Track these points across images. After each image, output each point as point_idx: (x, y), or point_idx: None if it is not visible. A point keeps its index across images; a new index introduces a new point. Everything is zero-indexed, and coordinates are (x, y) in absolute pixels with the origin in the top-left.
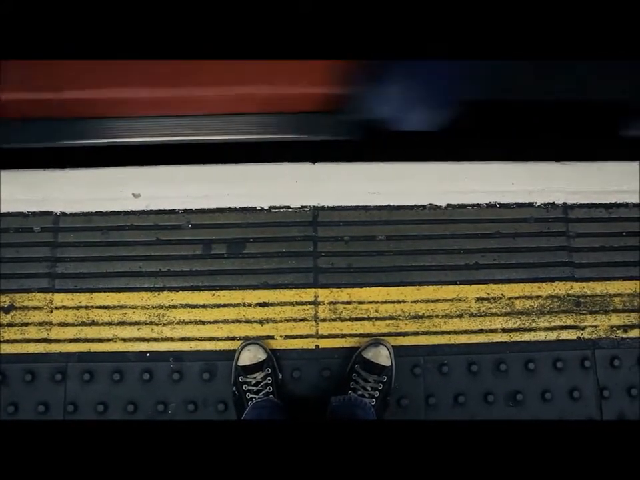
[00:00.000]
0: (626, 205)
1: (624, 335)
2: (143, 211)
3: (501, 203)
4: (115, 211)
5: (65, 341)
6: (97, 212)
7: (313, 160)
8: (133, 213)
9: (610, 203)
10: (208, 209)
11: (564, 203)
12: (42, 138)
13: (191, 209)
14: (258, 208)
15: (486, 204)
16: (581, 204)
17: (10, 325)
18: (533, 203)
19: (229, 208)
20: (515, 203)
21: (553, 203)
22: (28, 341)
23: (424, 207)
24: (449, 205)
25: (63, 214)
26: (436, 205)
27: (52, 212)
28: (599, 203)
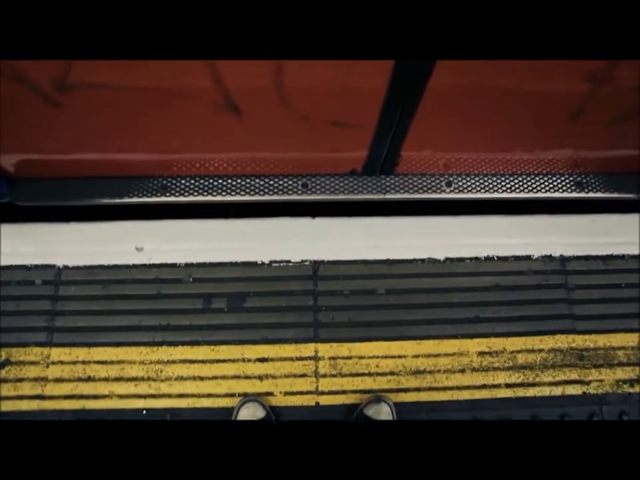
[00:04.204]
0: (622, 257)
1: (631, 390)
2: (145, 264)
3: (499, 255)
4: (117, 264)
5: (59, 397)
6: (99, 265)
7: (313, 215)
8: (135, 266)
9: (606, 255)
10: (209, 262)
11: (561, 255)
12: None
13: (193, 263)
14: (259, 262)
15: (484, 257)
16: (578, 256)
17: (4, 380)
18: (530, 255)
19: (230, 262)
20: (513, 256)
21: (550, 255)
22: (21, 397)
23: (423, 260)
24: (447, 258)
25: (66, 267)
26: (435, 258)
27: (54, 265)
28: (596, 255)
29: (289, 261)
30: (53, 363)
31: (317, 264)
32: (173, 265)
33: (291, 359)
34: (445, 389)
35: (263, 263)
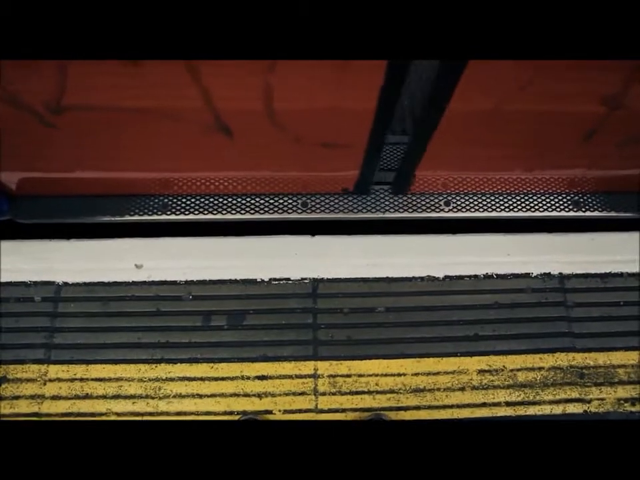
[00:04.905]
0: (621, 275)
1: (632, 409)
2: (145, 281)
3: (498, 273)
4: (116, 282)
5: (55, 415)
6: (99, 282)
7: (312, 233)
8: (134, 283)
9: (605, 273)
10: (209, 280)
11: (560, 273)
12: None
13: (192, 280)
14: (258, 280)
15: (483, 275)
16: (577, 274)
17: (0, 398)
18: (529, 273)
19: (230, 280)
20: (512, 274)
21: (549, 273)
22: (17, 415)
23: (422, 278)
24: (446, 276)
25: (65, 284)
26: (434, 276)
27: (54, 282)
28: (595, 273)
29: (289, 279)
30: (50, 380)
31: (316, 282)
32: (173, 283)
33: (290, 377)
34: (444, 407)
35: (262, 281)
